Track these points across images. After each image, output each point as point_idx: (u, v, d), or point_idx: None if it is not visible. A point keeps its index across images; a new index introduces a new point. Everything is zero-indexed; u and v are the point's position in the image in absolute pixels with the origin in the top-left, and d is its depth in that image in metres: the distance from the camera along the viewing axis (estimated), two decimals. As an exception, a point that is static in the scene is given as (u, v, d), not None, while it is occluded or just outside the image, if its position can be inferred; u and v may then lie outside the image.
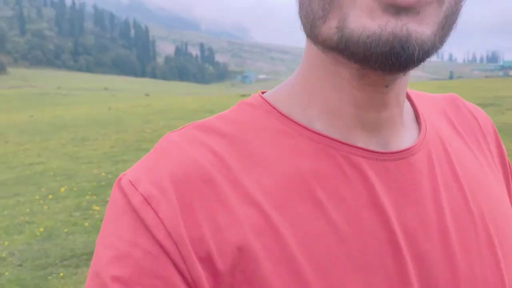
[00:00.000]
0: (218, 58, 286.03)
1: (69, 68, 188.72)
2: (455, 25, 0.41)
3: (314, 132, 0.45)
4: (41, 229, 4.55)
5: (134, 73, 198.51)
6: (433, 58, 0.38)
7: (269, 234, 0.40)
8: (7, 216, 5.13)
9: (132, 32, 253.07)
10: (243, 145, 0.45)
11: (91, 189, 5.97)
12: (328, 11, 0.39)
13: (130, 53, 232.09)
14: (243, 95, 29.41)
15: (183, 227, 0.39)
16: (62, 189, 6.06)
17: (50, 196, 5.78)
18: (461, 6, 0.41)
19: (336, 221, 0.41)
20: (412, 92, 0.55)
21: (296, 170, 0.43)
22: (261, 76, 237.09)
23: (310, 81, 0.47)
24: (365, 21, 0.37)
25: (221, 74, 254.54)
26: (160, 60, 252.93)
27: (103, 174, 6.76)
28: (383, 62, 0.37)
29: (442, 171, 0.48)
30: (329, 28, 0.39)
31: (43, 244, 4.20)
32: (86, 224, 4.63)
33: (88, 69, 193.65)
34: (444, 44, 0.40)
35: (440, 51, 0.39)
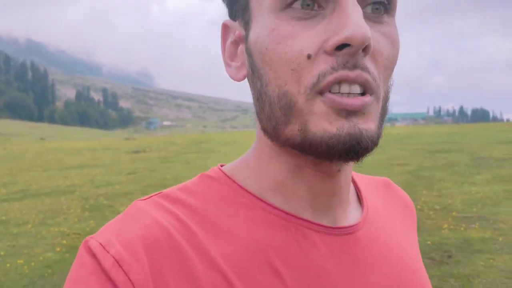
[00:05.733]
0: (122, 103, 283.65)
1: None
2: (387, 110, 0.47)
3: (270, 204, 0.49)
4: None
5: (31, 117, 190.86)
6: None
7: None
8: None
9: (30, 74, 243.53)
10: (205, 214, 0.48)
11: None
12: (289, 117, 0.44)
13: (26, 96, 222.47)
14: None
15: None
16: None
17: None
18: (389, 93, 0.48)
19: None
20: (355, 174, 0.62)
21: (255, 240, 0.47)
22: (166, 123, 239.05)
23: (264, 164, 0.51)
24: (325, 125, 0.42)
25: (125, 120, 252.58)
26: (59, 104, 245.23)
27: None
28: (343, 156, 0.42)
29: (382, 245, 0.54)
30: (292, 131, 0.44)
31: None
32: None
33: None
34: (383, 128, 0.46)
35: None
